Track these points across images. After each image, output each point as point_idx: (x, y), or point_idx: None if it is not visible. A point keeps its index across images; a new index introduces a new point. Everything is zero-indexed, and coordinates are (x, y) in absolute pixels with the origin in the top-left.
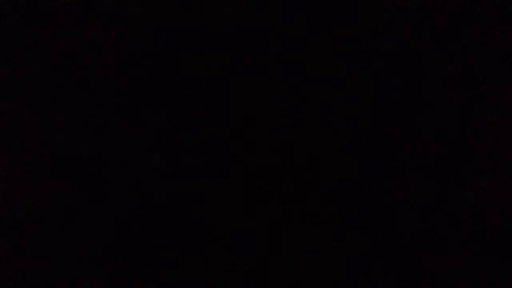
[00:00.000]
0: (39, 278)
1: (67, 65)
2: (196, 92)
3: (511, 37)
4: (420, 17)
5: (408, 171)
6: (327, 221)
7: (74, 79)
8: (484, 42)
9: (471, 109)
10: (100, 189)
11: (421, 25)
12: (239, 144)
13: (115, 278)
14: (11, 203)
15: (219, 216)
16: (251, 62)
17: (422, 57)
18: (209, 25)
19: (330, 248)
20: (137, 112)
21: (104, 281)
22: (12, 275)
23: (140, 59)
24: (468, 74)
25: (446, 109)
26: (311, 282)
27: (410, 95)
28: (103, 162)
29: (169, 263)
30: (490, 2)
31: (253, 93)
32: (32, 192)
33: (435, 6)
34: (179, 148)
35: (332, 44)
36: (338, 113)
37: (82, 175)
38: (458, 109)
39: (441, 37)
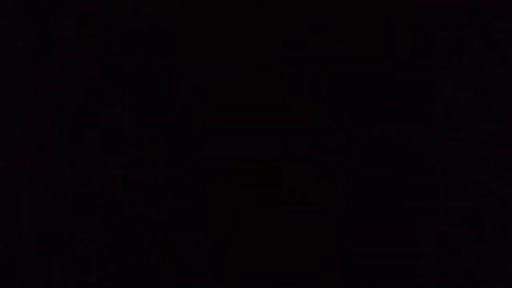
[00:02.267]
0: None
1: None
2: (195, 92)
3: (510, 36)
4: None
5: (407, 169)
6: (326, 220)
7: (74, 79)
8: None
9: (471, 108)
10: (99, 187)
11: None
12: (239, 143)
13: (113, 278)
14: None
15: (217, 215)
16: (250, 62)
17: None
18: (210, 24)
19: (328, 247)
20: (135, 112)
21: (102, 281)
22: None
23: (139, 59)
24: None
25: (445, 109)
26: (310, 282)
27: (409, 93)
28: (102, 161)
29: (164, 263)
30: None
31: (253, 92)
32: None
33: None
34: (178, 146)
35: (332, 44)
36: (336, 112)
37: (82, 174)
38: (457, 108)
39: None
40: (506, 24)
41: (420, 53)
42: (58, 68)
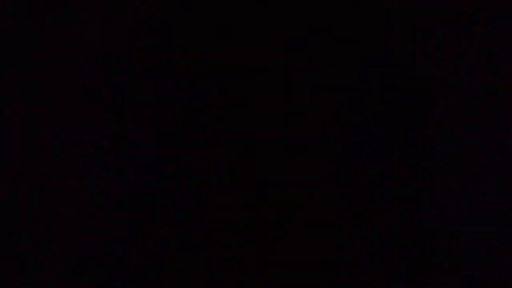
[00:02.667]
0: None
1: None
2: (194, 92)
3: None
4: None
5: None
6: (327, 221)
7: (73, 79)
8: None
9: (471, 109)
10: (98, 188)
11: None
12: (239, 144)
13: (111, 279)
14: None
15: (218, 215)
16: (250, 62)
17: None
18: (209, 25)
19: (329, 248)
20: (135, 111)
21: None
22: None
23: (139, 59)
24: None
25: (445, 110)
26: (310, 282)
27: (408, 94)
28: (101, 160)
29: (162, 263)
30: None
31: (252, 93)
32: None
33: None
34: (177, 147)
35: (332, 44)
36: (337, 113)
37: (79, 175)
38: (457, 109)
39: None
40: (506, 24)
41: (421, 52)
42: (58, 68)
